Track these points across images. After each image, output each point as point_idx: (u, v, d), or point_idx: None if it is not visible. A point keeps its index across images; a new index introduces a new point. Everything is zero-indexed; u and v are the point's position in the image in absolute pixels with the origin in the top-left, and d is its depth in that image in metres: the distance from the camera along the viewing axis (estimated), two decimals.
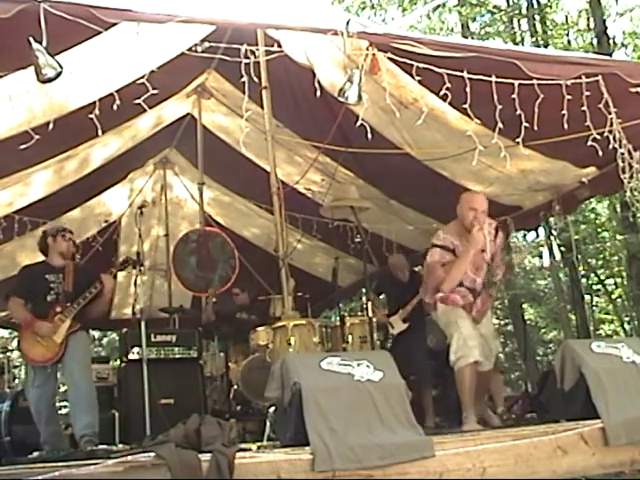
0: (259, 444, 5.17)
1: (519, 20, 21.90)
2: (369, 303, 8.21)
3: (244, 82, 5.16)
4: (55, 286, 6.96)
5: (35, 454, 6.49)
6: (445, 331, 6.86)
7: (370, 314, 8.06)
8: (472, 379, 6.52)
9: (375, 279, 10.07)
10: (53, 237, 7.07)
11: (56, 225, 7.17)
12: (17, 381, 7.93)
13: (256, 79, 5.29)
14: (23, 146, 5.56)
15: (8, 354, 7.88)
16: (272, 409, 5.52)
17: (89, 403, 6.70)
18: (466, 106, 5.34)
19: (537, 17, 20.93)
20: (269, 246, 10.77)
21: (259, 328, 8.57)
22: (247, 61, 5.12)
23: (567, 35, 21.66)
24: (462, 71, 5.24)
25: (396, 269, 9.27)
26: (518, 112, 5.30)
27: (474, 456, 4.87)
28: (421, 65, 5.28)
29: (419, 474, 4.73)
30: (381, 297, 9.89)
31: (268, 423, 5.55)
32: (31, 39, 4.41)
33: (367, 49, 5.41)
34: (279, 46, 5.85)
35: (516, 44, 19.50)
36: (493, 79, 5.27)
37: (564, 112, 5.34)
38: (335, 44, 5.84)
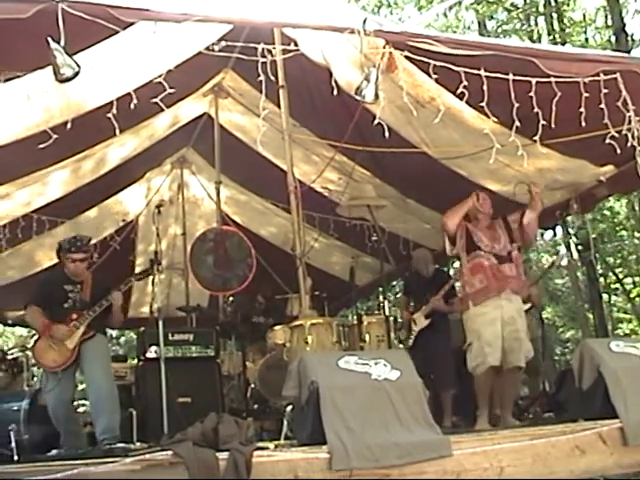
0: (276, 443, 5.16)
1: (536, 18, 21.74)
2: (386, 302, 8.19)
3: (261, 81, 5.17)
4: (73, 295, 7.02)
5: (53, 452, 6.51)
6: (467, 334, 6.88)
7: (388, 313, 8.05)
8: (488, 383, 6.74)
9: (402, 279, 10.08)
10: (64, 256, 7.08)
11: (70, 240, 7.13)
12: (35, 379, 7.94)
13: (273, 78, 5.30)
14: (41, 145, 5.58)
15: (27, 352, 7.89)
16: (289, 408, 5.50)
17: (110, 405, 6.72)
18: (483, 104, 5.33)
19: (554, 14, 20.79)
20: (286, 245, 10.76)
21: (276, 327, 8.58)
22: (264, 60, 5.13)
23: (585, 33, 21.53)
24: (479, 69, 5.23)
25: (419, 263, 9.16)
26: (535, 110, 5.29)
27: (491, 455, 4.85)
28: (438, 63, 5.27)
29: (436, 473, 4.72)
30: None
31: (285, 422, 5.53)
32: (49, 39, 4.42)
33: (384, 47, 5.40)
34: (296, 45, 5.85)
35: (533, 42, 19.35)
36: (510, 77, 5.26)
37: (582, 110, 5.32)
38: (352, 43, 5.83)
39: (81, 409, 7.64)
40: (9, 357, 8.33)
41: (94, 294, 7.01)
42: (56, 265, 7.46)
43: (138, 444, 6.72)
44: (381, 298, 9.96)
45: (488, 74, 5.21)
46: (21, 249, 10.44)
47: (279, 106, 7.86)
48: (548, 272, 10.77)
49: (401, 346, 8.91)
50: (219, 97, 9.62)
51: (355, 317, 8.47)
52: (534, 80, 5.24)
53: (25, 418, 7.05)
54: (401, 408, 4.94)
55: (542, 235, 23.11)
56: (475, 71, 5.22)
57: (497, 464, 4.83)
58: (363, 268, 10.93)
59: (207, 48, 5.70)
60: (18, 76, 5.74)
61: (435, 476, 4.71)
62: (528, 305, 8.77)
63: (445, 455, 4.75)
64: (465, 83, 5.21)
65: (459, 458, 4.79)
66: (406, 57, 5.67)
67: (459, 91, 5.28)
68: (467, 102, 5.75)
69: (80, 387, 7.38)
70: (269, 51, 5.21)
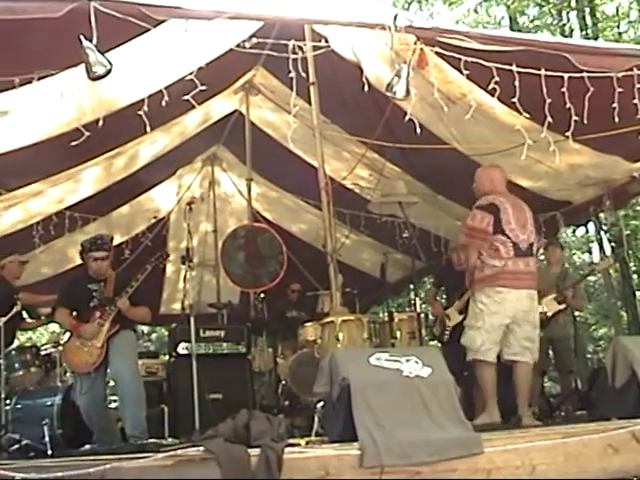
0: (307, 439, 5.17)
1: (568, 13, 21.61)
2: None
3: (292, 78, 5.17)
4: (97, 294, 7.09)
5: (86, 447, 6.57)
6: (470, 318, 6.75)
7: (420, 308, 8.01)
8: (490, 377, 6.53)
9: (435, 271, 10.04)
10: (86, 255, 7.14)
11: (92, 240, 7.18)
12: (68, 375, 7.99)
13: (303, 75, 5.30)
14: (74, 143, 5.61)
15: (60, 348, 7.95)
16: (320, 404, 5.51)
17: (137, 401, 6.77)
18: (515, 100, 5.30)
19: (587, 9, 20.64)
20: (317, 242, 10.77)
21: (307, 324, 8.58)
22: (295, 57, 5.13)
23: (618, 27, 21.31)
24: (511, 65, 5.20)
25: (455, 252, 9.08)
26: (567, 106, 5.25)
27: (523, 453, 4.82)
28: (469, 59, 5.25)
29: (467, 471, 4.70)
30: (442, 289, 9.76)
31: (316, 418, 5.54)
32: (82, 37, 4.45)
33: (415, 44, 5.38)
34: (326, 41, 5.86)
35: (565, 37, 19.25)
36: (542, 72, 5.22)
37: (615, 105, 5.26)
38: (382, 39, 5.81)
39: (112, 405, 7.69)
40: (42, 353, 8.39)
41: (117, 290, 7.07)
42: (81, 265, 7.52)
43: (170, 440, 6.79)
44: (412, 295, 9.94)
45: (520, 70, 5.18)
46: (54, 246, 10.54)
47: (310, 103, 7.85)
48: (587, 277, 10.65)
49: (435, 342, 8.89)
50: (250, 94, 9.65)
51: (386, 314, 8.45)
52: (566, 75, 5.19)
53: (58, 413, 7.11)
54: (432, 405, 4.93)
55: (574, 232, 23.00)
56: (506, 67, 5.19)
57: (529, 462, 4.80)
58: (394, 265, 10.91)
59: (238, 45, 5.71)
60: (51, 74, 5.78)
61: (466, 474, 4.69)
62: (563, 306, 8.72)
63: (476, 452, 4.73)
64: (496, 79, 5.18)
65: (491, 455, 4.76)
66: (437, 53, 5.64)
67: (490, 87, 5.26)
68: (498, 98, 5.72)
69: (111, 383, 7.42)
70: (300, 48, 5.21)
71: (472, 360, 6.61)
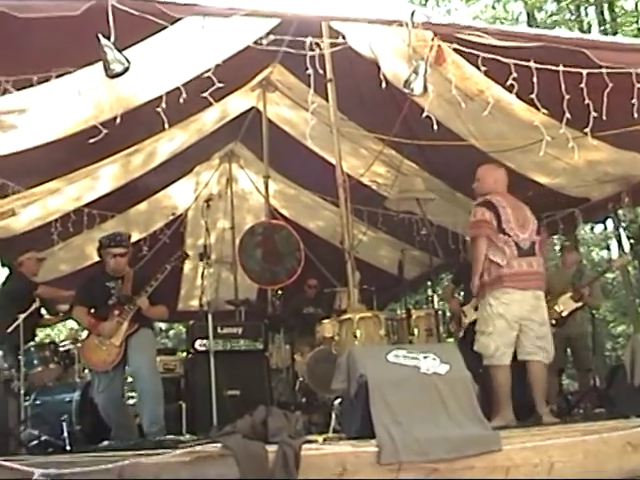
0: (325, 436, 5.17)
1: (586, 8, 21.47)
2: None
3: (309, 75, 5.17)
4: (115, 292, 7.11)
5: (105, 443, 6.60)
6: (480, 323, 6.71)
7: (437, 305, 7.99)
8: (505, 381, 6.49)
9: (453, 268, 10.01)
10: (104, 252, 7.15)
11: (110, 236, 7.20)
12: (86, 371, 8.04)
13: (321, 72, 5.30)
14: (91, 140, 5.64)
15: (78, 345, 7.99)
16: (338, 401, 5.52)
17: (155, 398, 6.80)
18: (533, 96, 5.29)
19: (605, 4, 20.50)
20: (334, 238, 10.77)
21: (325, 321, 8.58)
22: (312, 54, 5.14)
23: (637, 22, 21.14)
24: (529, 61, 5.18)
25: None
26: (586, 102, 5.22)
27: (542, 451, 4.80)
28: (487, 55, 5.23)
29: (485, 468, 4.69)
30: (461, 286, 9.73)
31: (333, 415, 5.54)
32: (100, 35, 4.47)
33: (432, 40, 5.37)
34: (343, 38, 5.85)
35: (583, 33, 19.14)
36: (560, 68, 5.20)
37: (634, 101, 5.23)
38: (399, 36, 5.80)
39: (130, 401, 7.73)
40: (61, 349, 8.44)
41: (135, 288, 7.08)
42: (98, 263, 7.54)
43: (187, 436, 6.80)
44: (430, 292, 9.92)
45: (538, 66, 5.16)
46: (72, 243, 10.58)
47: (327, 100, 7.84)
48: (604, 274, 10.62)
49: (451, 339, 8.88)
50: (267, 91, 9.66)
51: (404, 311, 8.44)
52: (585, 71, 5.17)
53: (77, 410, 7.16)
54: (450, 402, 4.92)
55: (592, 229, 22.90)
56: (524, 63, 5.18)
57: (547, 460, 4.78)
58: (411, 262, 10.90)
59: (255, 42, 5.71)
60: (69, 72, 5.81)
61: (484, 471, 4.68)
62: (579, 304, 8.69)
63: (495, 450, 4.72)
64: (514, 75, 5.16)
65: (509, 453, 4.75)
66: (454, 50, 5.63)
67: (508, 83, 5.24)
68: (516, 94, 5.70)
69: (129, 379, 7.46)
70: (317, 44, 5.21)
71: (487, 366, 6.59)
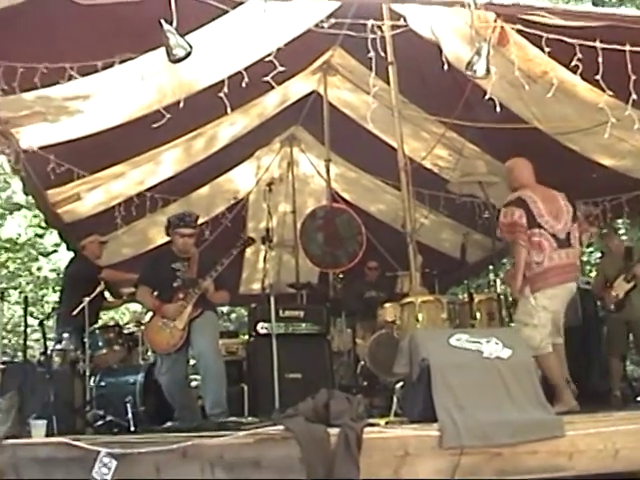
0: (387, 419, 5.18)
1: None
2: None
3: (370, 58, 5.15)
4: (180, 274, 7.12)
5: (168, 424, 6.69)
6: (523, 315, 6.61)
7: (499, 290, 7.92)
8: (556, 364, 6.39)
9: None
10: (173, 231, 7.17)
11: (180, 216, 7.23)
12: (150, 353, 8.14)
13: (382, 54, 5.28)
14: (155, 125, 5.69)
15: (142, 327, 8.09)
16: (399, 385, 5.51)
17: (218, 380, 6.84)
18: (598, 77, 5.19)
19: None
20: (396, 222, 10.73)
21: (387, 304, 8.57)
22: (373, 37, 5.11)
23: None
24: (594, 41, 5.09)
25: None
26: None
27: (606, 437, 4.77)
28: (551, 36, 5.15)
29: (549, 453, 4.67)
30: None
31: (395, 399, 5.54)
32: (162, 21, 4.50)
33: (495, 21, 5.31)
34: (404, 21, 5.82)
35: None
36: (627, 48, 5.10)
37: None
38: (461, 17, 5.75)
39: (194, 383, 7.81)
40: (125, 332, 8.55)
41: (201, 271, 7.13)
42: (166, 244, 7.60)
43: (249, 418, 6.85)
44: (492, 276, 9.84)
45: (604, 46, 5.07)
46: (135, 227, 10.70)
47: (388, 83, 7.80)
48: None
49: (513, 324, 8.80)
50: (328, 74, 9.64)
51: (466, 295, 8.39)
52: None
53: (140, 391, 7.27)
54: (513, 387, 4.91)
55: None
56: (590, 43, 5.08)
57: (612, 446, 4.75)
58: (473, 245, 10.81)
59: (316, 25, 5.71)
60: (132, 58, 5.87)
61: (548, 456, 4.66)
62: (632, 284, 8.53)
63: (558, 435, 4.70)
64: (579, 56, 5.08)
65: (573, 439, 4.73)
66: (517, 31, 5.56)
67: (572, 64, 5.16)
68: (581, 75, 5.61)
69: (192, 361, 7.53)
70: (378, 27, 5.19)
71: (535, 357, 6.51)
